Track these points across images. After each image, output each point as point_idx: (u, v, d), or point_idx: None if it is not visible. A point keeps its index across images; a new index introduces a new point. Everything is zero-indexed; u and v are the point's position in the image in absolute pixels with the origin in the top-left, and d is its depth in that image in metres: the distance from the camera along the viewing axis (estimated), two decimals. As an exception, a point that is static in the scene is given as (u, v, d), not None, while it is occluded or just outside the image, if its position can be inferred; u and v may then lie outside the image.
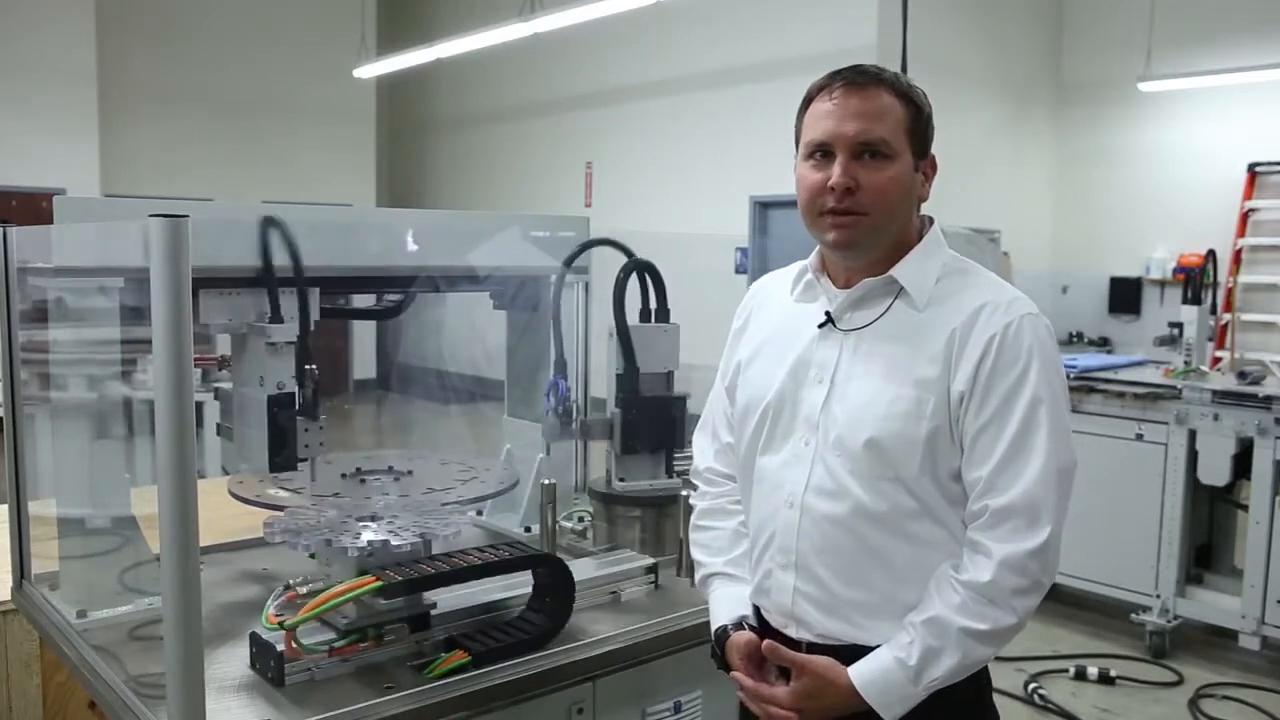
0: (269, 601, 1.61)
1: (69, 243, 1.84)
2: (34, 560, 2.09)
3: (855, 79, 1.50)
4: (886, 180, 1.48)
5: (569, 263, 2.36)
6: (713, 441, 1.78)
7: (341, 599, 1.55)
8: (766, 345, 1.65)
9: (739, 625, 1.62)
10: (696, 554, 1.74)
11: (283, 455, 1.89)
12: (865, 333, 1.53)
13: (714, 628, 1.66)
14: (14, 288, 2.03)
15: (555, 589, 1.76)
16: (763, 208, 9.38)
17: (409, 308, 2.32)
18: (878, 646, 1.47)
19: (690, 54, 9.85)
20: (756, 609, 1.64)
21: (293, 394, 1.89)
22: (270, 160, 11.51)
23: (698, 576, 1.73)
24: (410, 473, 2.27)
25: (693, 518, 1.78)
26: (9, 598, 2.17)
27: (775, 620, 1.59)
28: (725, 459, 1.75)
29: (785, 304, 1.66)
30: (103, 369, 2.01)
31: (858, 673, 1.46)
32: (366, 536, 1.68)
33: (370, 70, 11.34)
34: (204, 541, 1.38)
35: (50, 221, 1.84)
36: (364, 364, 11.75)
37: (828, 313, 1.56)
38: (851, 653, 1.49)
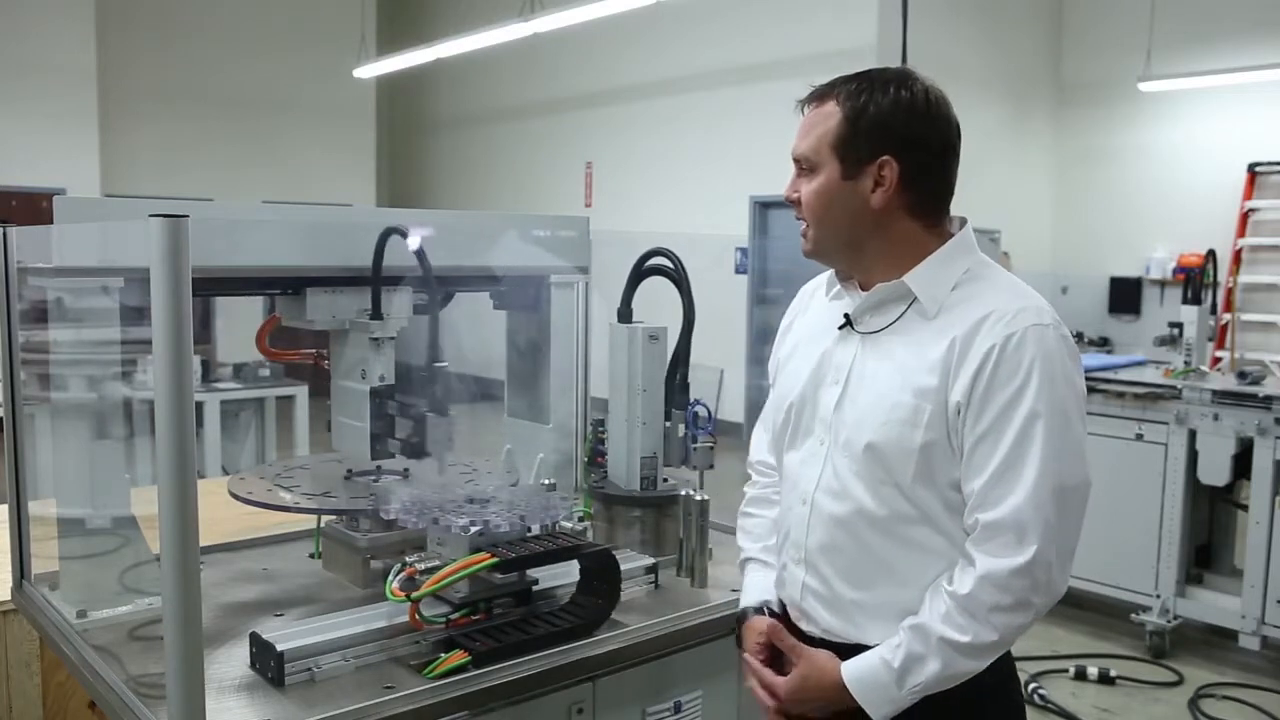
0: (390, 577, 1.67)
1: (69, 243, 1.83)
2: (34, 560, 2.09)
3: (809, 95, 1.57)
4: (808, 193, 1.55)
5: (636, 273, 2.27)
6: (766, 433, 1.84)
7: (462, 573, 1.67)
8: (802, 345, 1.70)
9: (760, 610, 1.68)
10: (740, 539, 1.84)
11: (382, 444, 2.02)
12: (879, 337, 1.55)
13: (740, 608, 1.74)
14: (14, 288, 2.02)
15: (607, 578, 1.86)
16: (763, 208, 9.39)
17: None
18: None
19: (690, 54, 9.85)
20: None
21: (393, 386, 2.01)
22: (270, 160, 11.51)
23: (738, 560, 1.83)
24: (407, 471, 2.26)
25: (742, 504, 1.87)
26: (9, 598, 2.17)
27: (792, 613, 1.64)
28: (776, 450, 1.81)
29: (823, 305, 1.70)
30: (103, 369, 2.00)
31: (848, 669, 1.50)
32: (473, 518, 1.79)
33: (370, 70, 11.34)
34: (204, 541, 1.38)
35: (50, 221, 1.83)
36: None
37: (847, 315, 1.59)
38: (854, 651, 1.52)
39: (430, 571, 1.67)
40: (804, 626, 1.61)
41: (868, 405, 1.51)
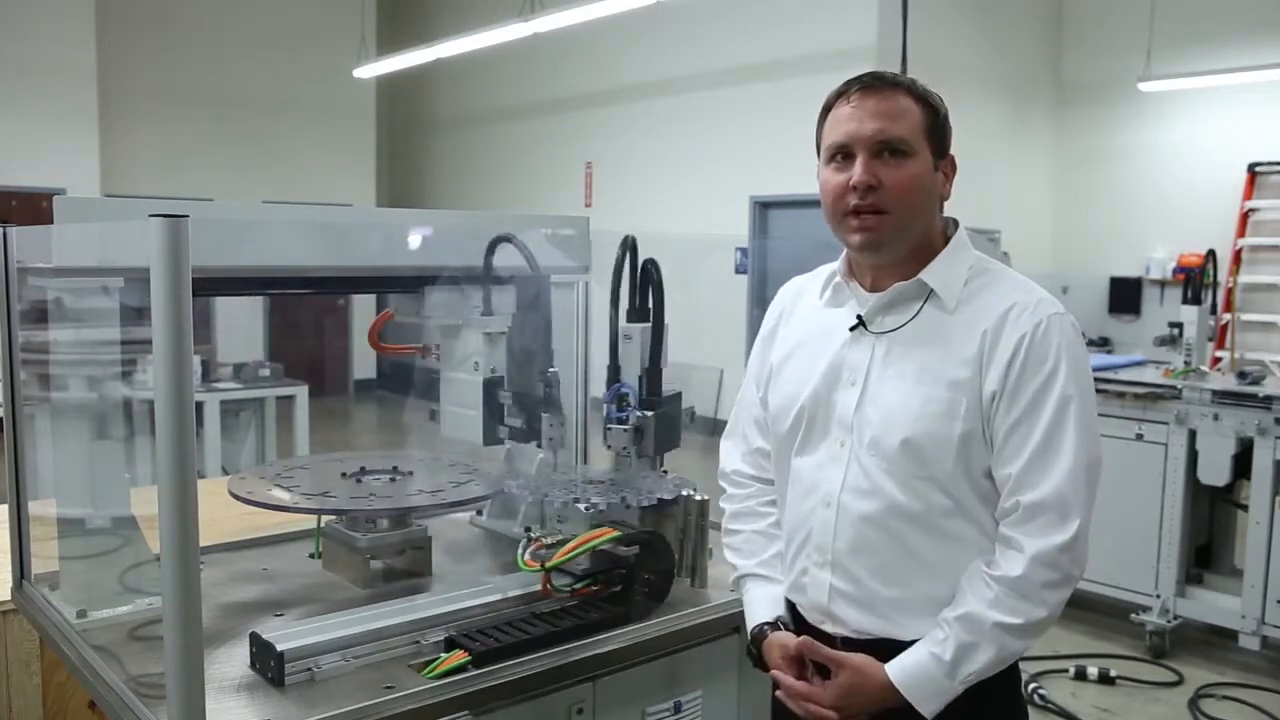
0: (520, 550, 1.78)
1: (69, 243, 1.83)
2: (34, 560, 2.09)
3: (872, 83, 1.54)
4: (907, 178, 1.51)
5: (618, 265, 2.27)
6: (740, 444, 1.81)
7: (591, 544, 1.78)
8: (799, 348, 1.67)
9: (775, 625, 1.65)
10: (730, 556, 1.79)
11: (492, 430, 2.17)
12: (897, 335, 1.56)
13: (750, 627, 1.70)
14: (14, 288, 2.02)
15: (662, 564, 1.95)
16: (763, 208, 9.38)
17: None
18: (911, 641, 1.51)
19: (690, 54, 9.85)
20: (791, 606, 1.67)
21: (502, 377, 2.16)
22: (270, 160, 11.51)
23: (732, 578, 1.78)
24: (411, 472, 2.27)
25: (724, 521, 1.82)
26: (9, 598, 2.17)
27: (811, 616, 1.62)
28: (753, 461, 1.78)
29: (815, 307, 1.68)
30: (103, 369, 2.01)
31: (895, 669, 1.49)
32: (600, 499, 1.93)
33: (370, 70, 11.34)
34: (204, 541, 1.38)
35: (50, 221, 1.83)
36: (364, 364, 11.76)
37: (859, 316, 1.58)
38: (885, 647, 1.52)
39: (556, 546, 1.76)
40: (828, 628, 1.59)
41: (895, 403, 1.52)
